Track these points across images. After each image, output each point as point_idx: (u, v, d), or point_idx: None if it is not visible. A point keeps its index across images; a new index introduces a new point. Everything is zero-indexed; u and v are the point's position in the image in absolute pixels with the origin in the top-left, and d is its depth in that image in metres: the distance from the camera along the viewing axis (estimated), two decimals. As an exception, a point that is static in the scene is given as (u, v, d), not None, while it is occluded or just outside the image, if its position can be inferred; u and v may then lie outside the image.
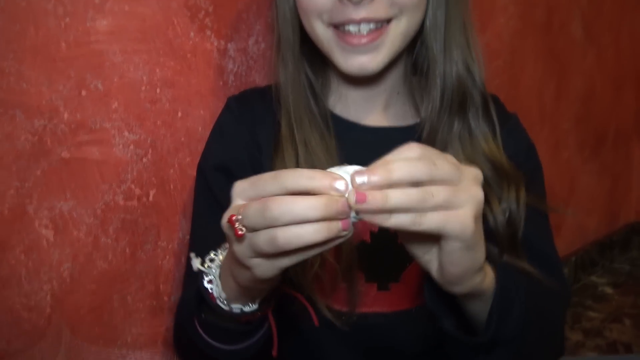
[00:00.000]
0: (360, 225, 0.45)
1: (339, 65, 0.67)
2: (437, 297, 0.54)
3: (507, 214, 0.67)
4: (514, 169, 0.69)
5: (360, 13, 0.62)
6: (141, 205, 0.77)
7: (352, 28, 0.64)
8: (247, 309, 0.54)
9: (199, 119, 0.81)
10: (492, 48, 1.31)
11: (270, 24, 0.86)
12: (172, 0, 0.76)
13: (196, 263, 0.54)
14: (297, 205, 0.40)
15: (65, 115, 0.69)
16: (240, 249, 0.45)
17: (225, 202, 0.69)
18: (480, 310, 0.54)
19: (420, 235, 0.45)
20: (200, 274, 0.55)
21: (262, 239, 0.42)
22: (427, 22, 0.68)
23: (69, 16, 0.68)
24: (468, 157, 0.68)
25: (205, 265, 0.54)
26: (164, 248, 0.80)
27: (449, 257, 0.45)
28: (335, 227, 0.41)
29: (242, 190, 0.45)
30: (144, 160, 0.77)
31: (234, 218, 0.44)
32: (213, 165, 0.73)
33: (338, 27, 0.65)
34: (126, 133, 0.74)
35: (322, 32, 0.66)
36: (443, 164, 0.43)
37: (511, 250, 0.68)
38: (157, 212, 0.79)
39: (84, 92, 0.70)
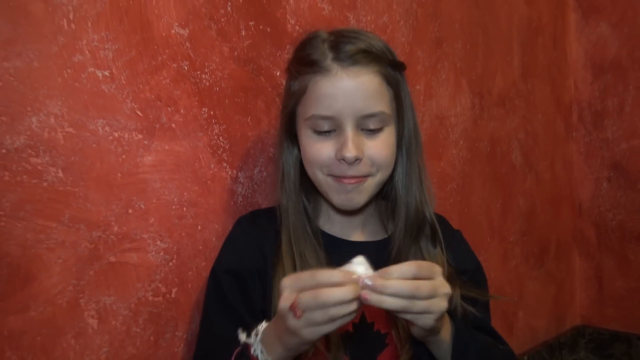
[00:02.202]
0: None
1: (334, 202, 0.89)
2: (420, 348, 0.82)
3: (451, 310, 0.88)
4: (451, 276, 0.90)
5: (351, 171, 0.86)
6: (165, 301, 0.95)
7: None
8: None
9: (214, 232, 1.01)
10: (447, 173, 1.57)
11: (270, 157, 1.10)
12: (199, 141, 1.00)
13: (243, 337, 0.74)
14: (337, 293, 0.65)
15: (115, 228, 0.89)
16: (297, 324, 0.67)
17: (233, 300, 0.88)
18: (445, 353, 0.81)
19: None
20: (245, 345, 0.74)
21: (319, 315, 0.65)
22: (396, 172, 0.92)
23: (125, 154, 0.90)
24: None
25: (251, 339, 0.74)
26: (179, 337, 0.97)
27: (424, 324, 0.71)
28: (352, 307, 0.66)
29: (290, 284, 0.68)
30: (170, 264, 0.96)
31: (296, 304, 0.66)
32: (226, 270, 0.91)
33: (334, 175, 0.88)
34: (158, 242, 0.94)
35: (322, 178, 0.88)
36: (423, 265, 0.71)
37: None
38: (176, 306, 0.96)
39: (130, 211, 0.90)
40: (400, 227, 0.91)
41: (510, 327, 1.79)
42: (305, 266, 0.88)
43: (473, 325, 0.89)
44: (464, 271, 0.96)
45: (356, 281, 0.66)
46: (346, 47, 0.85)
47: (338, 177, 0.87)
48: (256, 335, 0.74)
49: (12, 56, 0.78)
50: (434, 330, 0.76)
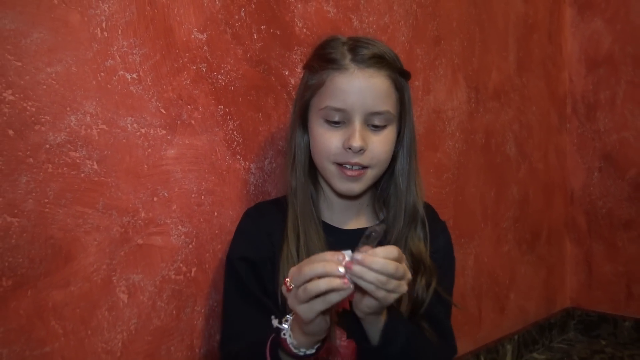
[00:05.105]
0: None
1: (336, 188, 1.00)
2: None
3: (414, 295, 0.99)
4: (432, 266, 1.01)
5: (355, 158, 0.96)
6: (186, 279, 1.06)
7: (347, 166, 0.97)
8: (308, 352, 0.82)
9: (229, 218, 1.12)
10: (443, 163, 1.67)
11: (279, 150, 1.20)
12: (215, 135, 1.10)
13: (275, 322, 0.83)
14: (317, 267, 0.74)
15: (142, 214, 1.00)
16: (293, 303, 0.76)
17: (249, 283, 0.99)
18: (376, 333, 0.87)
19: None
20: (277, 329, 0.84)
21: (300, 291, 0.74)
22: (396, 169, 1.03)
23: (151, 148, 1.01)
24: (404, 251, 1.00)
25: (282, 324, 0.83)
26: (198, 312, 1.08)
27: (386, 301, 0.78)
28: (336, 281, 0.74)
29: (292, 272, 0.78)
30: (190, 246, 1.07)
31: (286, 280, 0.77)
32: (239, 257, 1.02)
33: (338, 163, 0.98)
34: (180, 227, 1.05)
35: (328, 166, 0.99)
36: (392, 252, 0.78)
37: (412, 317, 0.99)
38: (195, 284, 1.08)
39: (155, 199, 1.01)
40: (398, 219, 1.02)
41: (502, 308, 1.90)
42: (309, 243, 0.98)
43: (434, 323, 1.00)
44: (439, 258, 1.05)
45: (340, 262, 0.74)
46: (363, 51, 0.96)
47: (342, 166, 0.97)
48: (286, 321, 0.83)
49: (54, 62, 0.88)
50: (382, 309, 0.83)
